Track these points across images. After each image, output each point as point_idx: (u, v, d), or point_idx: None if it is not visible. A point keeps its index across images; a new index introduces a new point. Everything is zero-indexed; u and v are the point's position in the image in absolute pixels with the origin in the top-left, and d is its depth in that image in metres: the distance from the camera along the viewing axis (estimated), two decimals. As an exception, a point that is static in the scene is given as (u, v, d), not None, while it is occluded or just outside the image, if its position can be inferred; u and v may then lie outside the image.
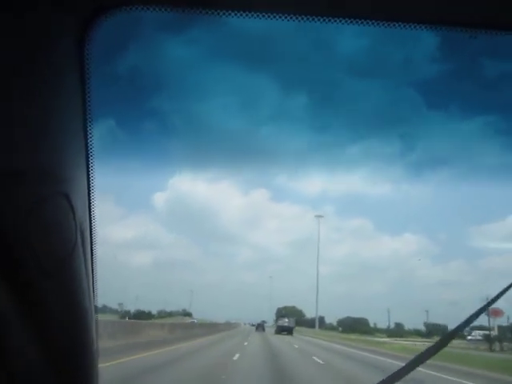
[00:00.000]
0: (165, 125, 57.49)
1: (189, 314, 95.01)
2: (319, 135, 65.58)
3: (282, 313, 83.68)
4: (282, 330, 50.70)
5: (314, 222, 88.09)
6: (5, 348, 0.87)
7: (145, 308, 77.46)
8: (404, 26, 0.94)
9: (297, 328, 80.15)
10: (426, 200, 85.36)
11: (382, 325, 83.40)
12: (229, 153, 59.83)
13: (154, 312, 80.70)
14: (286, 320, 54.89)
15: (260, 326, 58.56)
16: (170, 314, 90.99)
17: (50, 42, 0.87)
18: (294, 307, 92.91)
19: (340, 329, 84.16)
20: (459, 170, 60.87)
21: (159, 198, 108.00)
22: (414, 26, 0.94)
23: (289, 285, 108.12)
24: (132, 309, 74.34)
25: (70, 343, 1.01)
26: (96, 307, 1.14)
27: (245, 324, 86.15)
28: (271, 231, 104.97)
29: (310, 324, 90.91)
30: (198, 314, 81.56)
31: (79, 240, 0.98)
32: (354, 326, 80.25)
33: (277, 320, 59.18)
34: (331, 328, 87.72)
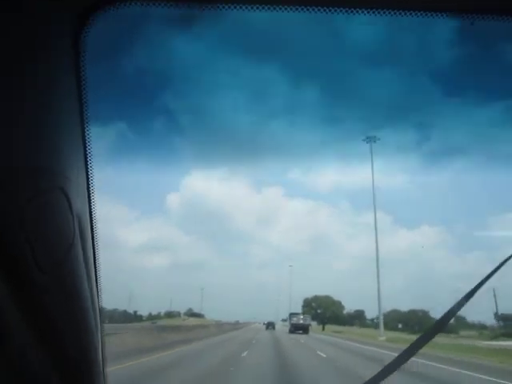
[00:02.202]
0: (173, 124, 58.46)
1: (198, 315, 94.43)
2: (332, 128, 62.36)
3: (311, 305, 64.43)
4: (296, 329, 44.51)
5: (328, 215, 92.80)
6: (4, 348, 0.85)
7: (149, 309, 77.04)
8: (410, 14, 0.95)
9: (335, 328, 58.28)
10: (444, 190, 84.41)
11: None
12: (240, 150, 59.44)
13: (151, 313, 78.76)
14: (301, 317, 48.47)
15: (270, 325, 57.47)
16: (170, 315, 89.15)
17: (45, 39, 0.87)
18: (328, 297, 68.75)
19: (399, 326, 59.79)
20: (477, 158, 59.82)
21: (170, 198, 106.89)
22: (421, 14, 0.95)
23: (309, 281, 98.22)
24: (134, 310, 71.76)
25: (72, 345, 0.98)
26: (101, 310, 1.10)
27: (259, 323, 78.14)
28: (286, 228, 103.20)
29: (348, 321, 68.00)
30: (212, 314, 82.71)
31: (78, 236, 0.96)
32: (421, 322, 56.09)
33: (290, 317, 50.42)
34: (374, 326, 65.62)
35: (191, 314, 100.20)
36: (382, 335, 36.91)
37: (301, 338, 34.84)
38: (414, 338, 1.35)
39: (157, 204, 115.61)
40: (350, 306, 72.13)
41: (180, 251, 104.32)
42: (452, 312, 1.26)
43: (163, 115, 55.95)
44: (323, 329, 65.38)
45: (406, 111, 56.44)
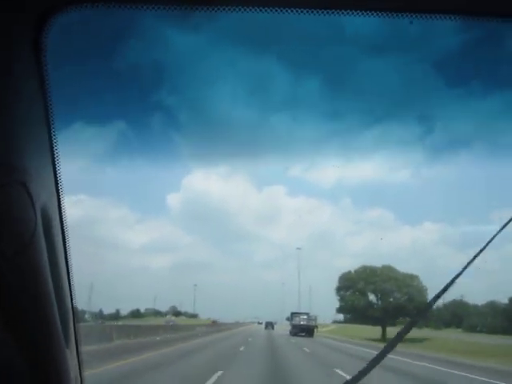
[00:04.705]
0: (172, 123, 59.94)
1: (188, 314, 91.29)
2: (333, 121, 61.61)
3: (356, 286, 33.65)
4: (299, 331, 37.76)
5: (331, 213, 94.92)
6: None
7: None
8: (397, 15, 0.99)
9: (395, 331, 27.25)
10: (448, 184, 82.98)
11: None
12: (241, 147, 57.55)
13: (102, 311, 74.54)
14: (305, 317, 40.52)
15: (269, 325, 57.85)
16: (138, 315, 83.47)
17: (5, 40, 0.90)
18: (391, 269, 37.12)
19: None
20: (481, 151, 56.13)
21: (170, 197, 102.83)
22: (407, 15, 0.99)
23: (315, 282, 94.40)
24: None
25: (36, 333, 1.01)
26: (75, 309, 1.12)
27: (259, 323, 77.12)
28: (288, 226, 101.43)
29: (380, 319, 37.49)
30: (209, 314, 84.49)
31: (40, 228, 1.00)
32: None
33: (292, 317, 41.89)
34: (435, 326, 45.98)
35: (175, 312, 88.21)
36: None
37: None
38: None
39: (156, 203, 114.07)
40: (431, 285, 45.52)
41: (178, 250, 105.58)
42: (429, 305, 1.17)
43: (160, 113, 54.93)
44: (383, 335, 34.31)
45: (408, 103, 54.85)
